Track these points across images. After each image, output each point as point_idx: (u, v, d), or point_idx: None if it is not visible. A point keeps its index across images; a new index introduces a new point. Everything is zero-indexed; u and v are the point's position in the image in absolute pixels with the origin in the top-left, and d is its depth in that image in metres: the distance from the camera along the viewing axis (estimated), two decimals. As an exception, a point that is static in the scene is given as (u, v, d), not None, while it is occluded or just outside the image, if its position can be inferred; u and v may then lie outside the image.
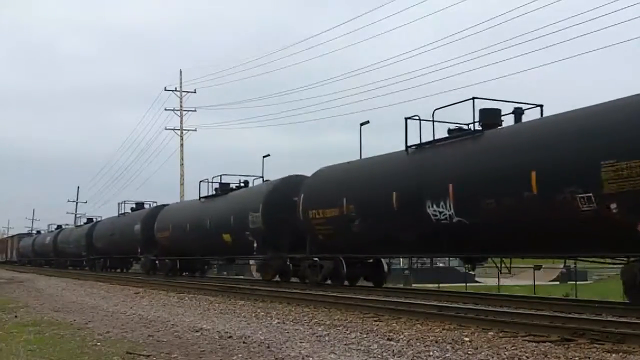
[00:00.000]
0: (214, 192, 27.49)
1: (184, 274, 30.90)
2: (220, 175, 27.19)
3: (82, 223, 54.75)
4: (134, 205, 39.19)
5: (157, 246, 31.78)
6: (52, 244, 53.39)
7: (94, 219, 49.39)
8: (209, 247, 26.43)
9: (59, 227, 59.81)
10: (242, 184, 26.52)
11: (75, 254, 46.89)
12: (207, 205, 26.99)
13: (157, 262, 32.40)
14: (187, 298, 17.31)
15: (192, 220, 27.67)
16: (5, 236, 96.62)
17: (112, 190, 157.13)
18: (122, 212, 38.96)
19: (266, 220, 21.56)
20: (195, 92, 49.86)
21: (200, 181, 27.70)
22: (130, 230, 35.03)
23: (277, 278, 22.90)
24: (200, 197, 27.96)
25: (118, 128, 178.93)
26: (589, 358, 7.04)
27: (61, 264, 51.89)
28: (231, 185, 26.97)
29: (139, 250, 34.02)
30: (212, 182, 27.52)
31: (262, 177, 25.48)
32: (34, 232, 77.27)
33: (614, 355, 7.12)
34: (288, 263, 21.65)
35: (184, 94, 49.03)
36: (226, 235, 24.21)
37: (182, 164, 47.50)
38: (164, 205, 33.93)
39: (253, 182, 26.23)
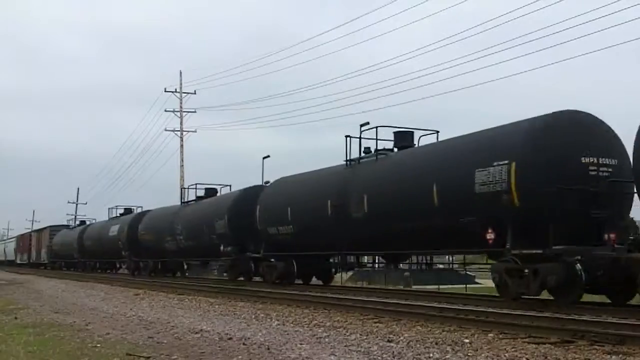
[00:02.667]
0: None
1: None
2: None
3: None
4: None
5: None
6: (130, 235, 34.39)
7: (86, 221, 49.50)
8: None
9: (83, 222, 52.92)
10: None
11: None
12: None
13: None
14: (187, 299, 17.31)
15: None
16: (28, 231, 70.72)
17: (112, 191, 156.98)
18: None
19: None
20: (195, 93, 49.77)
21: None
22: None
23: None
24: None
25: (118, 129, 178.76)
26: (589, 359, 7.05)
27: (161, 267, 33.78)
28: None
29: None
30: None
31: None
32: (73, 222, 59.77)
33: (614, 356, 7.12)
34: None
35: (183, 95, 49.03)
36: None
37: (182, 165, 47.45)
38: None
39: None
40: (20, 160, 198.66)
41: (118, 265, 41.86)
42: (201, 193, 30.01)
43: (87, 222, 50.73)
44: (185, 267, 33.26)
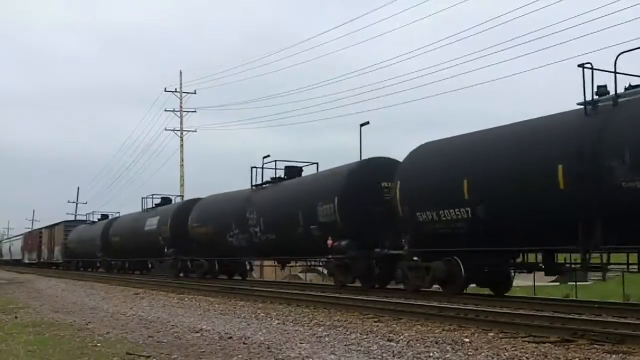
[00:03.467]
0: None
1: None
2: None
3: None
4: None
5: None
6: (175, 229, 29.04)
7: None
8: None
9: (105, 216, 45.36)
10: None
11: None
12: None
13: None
14: (187, 299, 17.31)
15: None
16: (37, 228, 63.73)
17: (112, 191, 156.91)
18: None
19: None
20: (195, 93, 49.82)
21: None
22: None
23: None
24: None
25: (118, 129, 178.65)
26: (589, 359, 7.04)
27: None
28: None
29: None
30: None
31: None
32: (89, 218, 48.89)
33: (614, 356, 7.12)
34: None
35: (183, 94, 49.03)
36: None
37: (182, 165, 47.47)
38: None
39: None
40: (20, 160, 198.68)
41: (150, 265, 35.83)
42: (278, 172, 23.57)
43: (111, 215, 43.96)
44: (248, 267, 28.21)
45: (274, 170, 23.40)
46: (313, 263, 24.22)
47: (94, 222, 45.62)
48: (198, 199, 28.97)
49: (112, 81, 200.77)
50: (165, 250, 29.51)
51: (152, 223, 31.63)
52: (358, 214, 17.55)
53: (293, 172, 22.93)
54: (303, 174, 22.82)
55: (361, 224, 17.52)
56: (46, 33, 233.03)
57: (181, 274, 28.97)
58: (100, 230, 39.88)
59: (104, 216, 45.36)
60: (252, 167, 23.60)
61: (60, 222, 51.79)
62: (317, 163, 22.72)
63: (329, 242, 17.91)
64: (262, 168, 23.48)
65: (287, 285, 21.86)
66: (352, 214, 17.69)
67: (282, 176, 22.99)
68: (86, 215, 49.40)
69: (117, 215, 43.22)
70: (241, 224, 23.16)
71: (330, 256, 18.46)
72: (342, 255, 17.84)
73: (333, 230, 18.05)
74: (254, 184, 23.81)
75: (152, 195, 35.08)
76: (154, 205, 34.43)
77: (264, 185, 23.47)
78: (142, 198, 35.28)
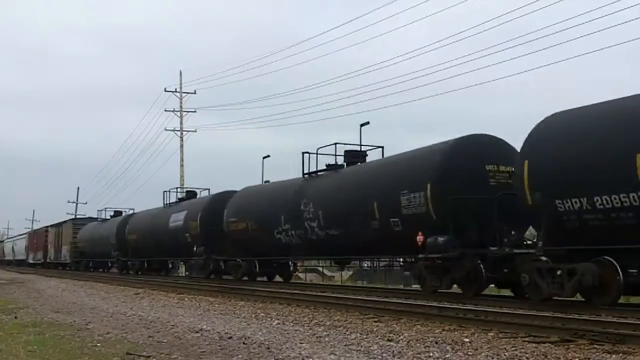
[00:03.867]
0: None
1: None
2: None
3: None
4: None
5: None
6: (207, 225, 25.86)
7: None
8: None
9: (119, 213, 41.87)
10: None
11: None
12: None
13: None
14: (187, 299, 17.32)
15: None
16: (43, 227, 57.99)
17: (112, 191, 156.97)
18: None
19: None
20: (195, 93, 49.84)
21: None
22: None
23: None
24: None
25: (118, 129, 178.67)
26: (589, 359, 7.05)
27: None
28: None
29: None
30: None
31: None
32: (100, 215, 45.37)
33: (614, 355, 7.12)
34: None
35: (183, 94, 49.03)
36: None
37: (182, 165, 47.49)
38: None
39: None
40: (20, 160, 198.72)
41: (170, 266, 33.91)
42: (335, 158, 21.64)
43: (126, 212, 40.92)
44: (291, 267, 24.85)
45: (327, 156, 20.28)
46: (387, 264, 20.64)
47: (105, 219, 42.53)
48: (233, 192, 25.62)
49: (112, 81, 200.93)
50: (195, 249, 26.24)
51: (177, 219, 28.39)
52: (458, 203, 14.17)
53: (356, 157, 19.55)
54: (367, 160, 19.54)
55: (463, 216, 14.23)
56: (46, 33, 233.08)
57: (212, 276, 26.16)
58: (115, 228, 36.63)
59: (117, 213, 41.95)
60: (303, 153, 20.48)
61: (68, 220, 49.17)
62: (382, 147, 19.72)
63: (419, 238, 14.75)
64: (317, 154, 20.27)
65: (287, 285, 21.85)
66: (450, 204, 14.22)
67: (334, 164, 20.01)
68: (97, 212, 46.65)
69: (132, 211, 39.71)
70: (294, 218, 19.84)
71: (422, 255, 14.87)
72: (438, 255, 14.39)
73: (424, 224, 14.86)
74: (305, 172, 20.59)
75: (177, 188, 32.01)
76: (177, 200, 31.82)
77: (319, 174, 20.28)
78: (164, 192, 32.50)
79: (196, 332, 9.97)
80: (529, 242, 13.79)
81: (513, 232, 13.83)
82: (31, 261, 58.23)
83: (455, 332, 9.24)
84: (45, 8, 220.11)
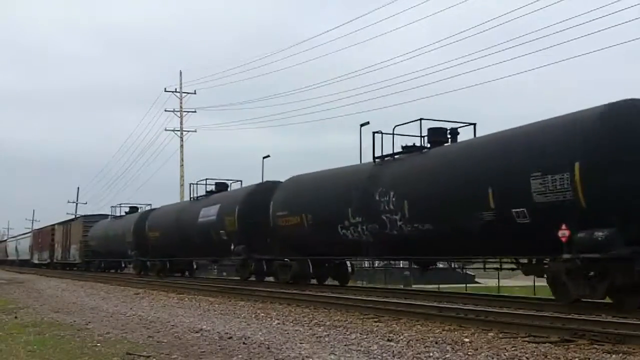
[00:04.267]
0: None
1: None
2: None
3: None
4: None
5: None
6: (245, 220, 22.85)
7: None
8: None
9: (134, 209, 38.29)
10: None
11: None
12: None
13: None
14: (187, 299, 17.31)
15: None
16: (50, 224, 53.61)
17: (112, 191, 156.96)
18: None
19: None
20: (195, 93, 49.89)
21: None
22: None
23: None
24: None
25: (118, 129, 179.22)
26: (589, 359, 7.04)
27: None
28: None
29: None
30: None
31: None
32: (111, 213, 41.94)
33: (614, 355, 7.12)
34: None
35: (183, 95, 49.05)
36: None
37: (182, 165, 47.51)
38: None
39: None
40: (20, 160, 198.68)
41: (195, 266, 31.28)
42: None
43: (142, 208, 37.34)
44: (349, 268, 20.95)
45: (404, 137, 17.07)
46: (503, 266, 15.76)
47: (119, 215, 39.14)
48: (277, 182, 22.66)
49: (112, 81, 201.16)
50: (232, 247, 23.09)
51: (208, 213, 25.17)
52: (623, 188, 10.90)
53: (442, 135, 16.34)
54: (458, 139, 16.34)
55: (631, 205, 11.00)
56: (46, 33, 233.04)
57: (252, 277, 23.45)
58: (133, 225, 33.35)
59: (133, 209, 38.22)
60: (374, 133, 17.38)
61: (79, 217, 46.27)
62: (474, 124, 16.40)
63: (564, 232, 11.69)
64: (393, 134, 17.10)
65: (287, 286, 21.81)
66: (610, 188, 11.05)
67: (409, 146, 16.76)
68: (111, 208, 43.95)
69: (149, 207, 36.44)
70: (365, 210, 16.88)
71: (568, 255, 11.61)
72: (597, 255, 11.06)
73: (568, 215, 11.66)
74: (377, 155, 17.36)
75: (206, 179, 28.50)
76: (206, 193, 28.28)
77: (396, 157, 17.07)
78: (191, 184, 29.66)
79: (196, 332, 9.97)
80: None
81: None
82: (36, 261, 55.73)
83: (455, 332, 9.24)
84: (45, 8, 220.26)
